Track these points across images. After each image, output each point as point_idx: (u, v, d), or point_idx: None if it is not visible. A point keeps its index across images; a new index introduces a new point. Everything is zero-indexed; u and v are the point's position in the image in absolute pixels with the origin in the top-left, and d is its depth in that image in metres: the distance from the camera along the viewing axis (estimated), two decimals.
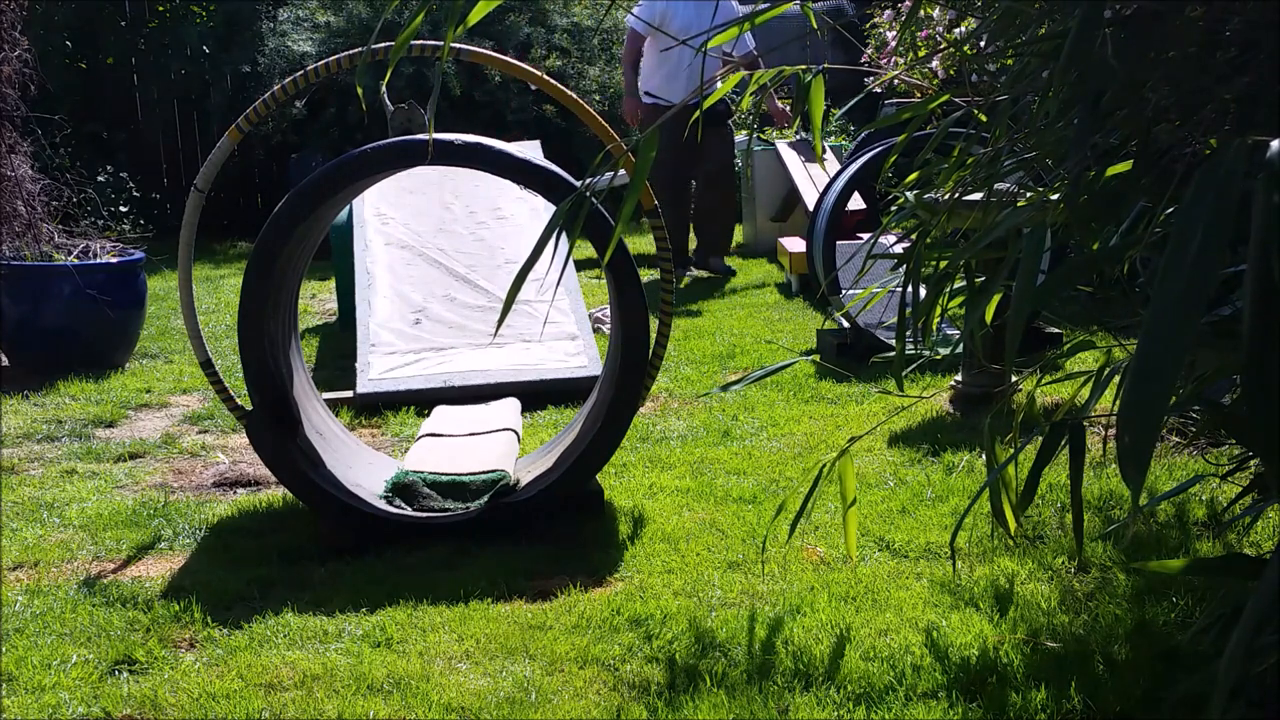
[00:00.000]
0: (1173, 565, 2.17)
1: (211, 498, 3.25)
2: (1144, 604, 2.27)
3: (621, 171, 2.91)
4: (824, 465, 2.10)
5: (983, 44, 1.95)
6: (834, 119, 8.74)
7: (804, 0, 1.99)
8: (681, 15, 6.31)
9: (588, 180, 1.71)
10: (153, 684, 2.13)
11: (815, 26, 2.03)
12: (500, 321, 1.80)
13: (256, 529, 2.95)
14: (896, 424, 3.66)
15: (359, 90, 2.01)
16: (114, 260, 4.86)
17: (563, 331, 4.59)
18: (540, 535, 2.81)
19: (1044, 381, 2.15)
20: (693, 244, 7.11)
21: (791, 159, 7.20)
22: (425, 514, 2.89)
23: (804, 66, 2.06)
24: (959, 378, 3.91)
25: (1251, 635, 1.05)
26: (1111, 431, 2.54)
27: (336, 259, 5.43)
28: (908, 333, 2.06)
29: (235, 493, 3.32)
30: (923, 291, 2.04)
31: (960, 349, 3.72)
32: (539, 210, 5.23)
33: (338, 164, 2.87)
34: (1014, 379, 2.19)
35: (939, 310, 2.04)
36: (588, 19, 9.53)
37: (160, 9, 9.30)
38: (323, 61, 2.89)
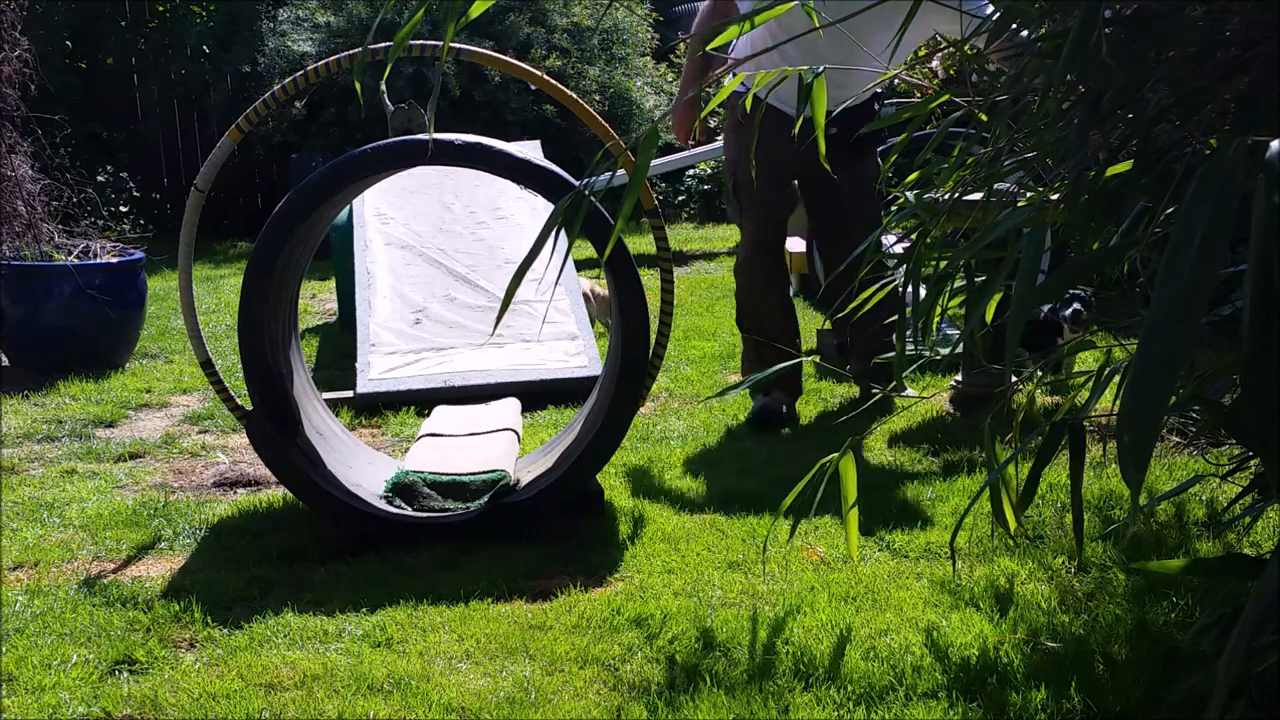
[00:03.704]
0: (1173, 565, 2.17)
1: (211, 498, 3.25)
2: (1144, 604, 2.27)
3: (621, 171, 2.91)
4: (824, 465, 2.09)
5: (983, 44, 1.95)
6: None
7: (804, 0, 1.99)
8: None
9: (587, 179, 1.71)
10: (153, 684, 2.13)
11: (817, 25, 2.03)
12: (498, 320, 1.80)
13: (256, 529, 2.95)
14: (896, 424, 3.66)
15: (359, 90, 2.01)
16: (114, 260, 4.86)
17: (563, 331, 4.59)
18: (540, 535, 2.81)
19: (1043, 381, 2.15)
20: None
21: None
22: (425, 514, 2.89)
23: (805, 66, 2.06)
24: (959, 378, 3.91)
25: (1251, 635, 1.05)
26: (1111, 431, 2.53)
27: (336, 259, 5.43)
28: (908, 333, 2.06)
29: (235, 493, 3.32)
30: (923, 291, 2.04)
31: (960, 349, 3.72)
32: (539, 210, 5.23)
33: (338, 164, 2.87)
34: (1014, 379, 2.18)
35: (939, 310, 2.04)
36: (588, 19, 9.53)
37: (160, 9, 9.31)
38: (323, 61, 2.89)
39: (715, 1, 3.77)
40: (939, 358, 3.86)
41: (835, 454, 2.02)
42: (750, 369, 4.01)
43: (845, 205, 3.87)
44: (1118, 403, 1.24)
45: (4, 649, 2.28)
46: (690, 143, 4.29)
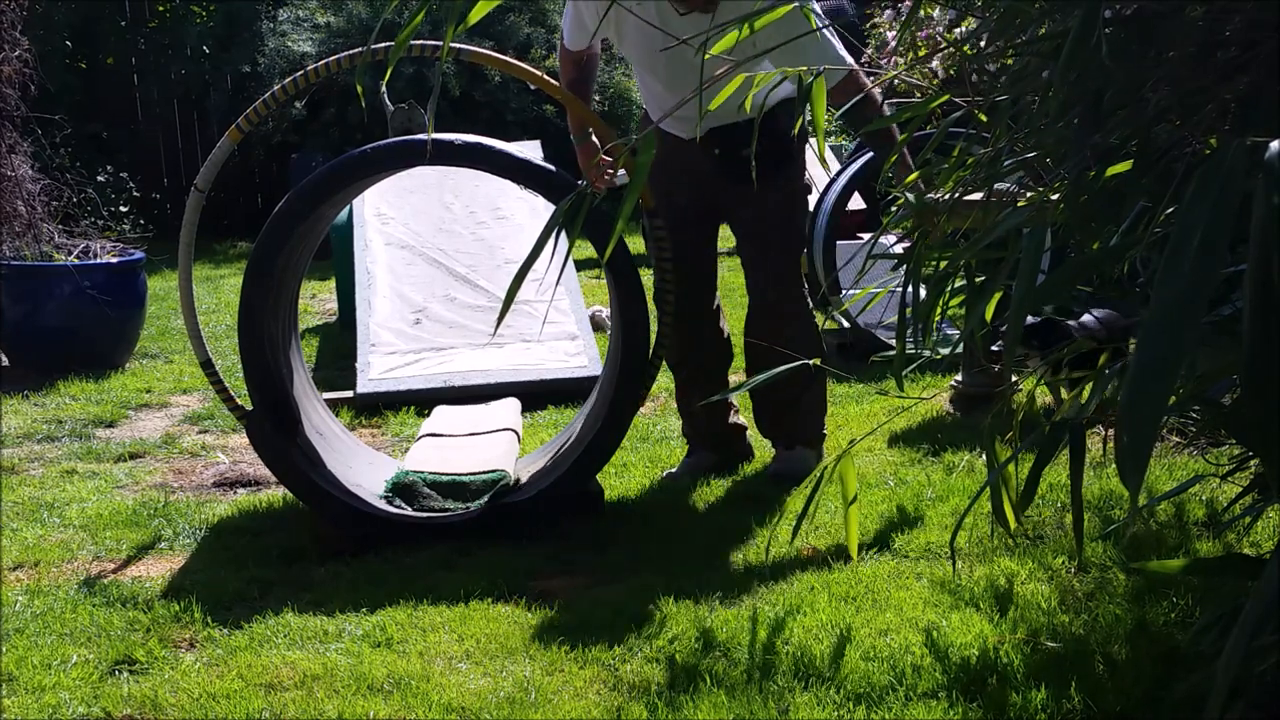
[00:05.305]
0: (1173, 565, 2.17)
1: (211, 498, 3.25)
2: (1144, 604, 2.26)
3: (621, 171, 2.91)
4: (825, 465, 2.09)
5: (983, 44, 1.95)
6: (834, 119, 8.73)
7: (804, 1, 1.99)
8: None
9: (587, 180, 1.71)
10: (153, 684, 2.13)
11: (814, 27, 2.03)
12: (499, 321, 1.80)
13: (256, 529, 2.95)
14: (896, 424, 3.66)
15: (359, 90, 2.01)
16: (114, 260, 4.86)
17: (563, 331, 4.59)
18: (540, 535, 2.81)
19: (1043, 381, 2.15)
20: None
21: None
22: (425, 514, 2.89)
23: (804, 68, 2.05)
24: (959, 378, 3.91)
25: (1251, 635, 1.05)
26: (1111, 431, 2.53)
27: (336, 259, 5.44)
28: (908, 332, 2.06)
29: (235, 493, 3.32)
30: (923, 291, 2.04)
31: (960, 349, 3.71)
32: (539, 210, 5.23)
33: (338, 164, 2.88)
34: (1014, 379, 2.18)
35: (939, 310, 2.04)
36: None
37: (160, 9, 9.31)
38: (323, 61, 2.89)
39: (560, 50, 3.19)
40: (939, 357, 3.86)
41: (836, 454, 2.02)
42: (684, 417, 3.43)
43: (749, 242, 3.24)
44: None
45: (4, 649, 2.28)
46: (612, 178, 3.01)
